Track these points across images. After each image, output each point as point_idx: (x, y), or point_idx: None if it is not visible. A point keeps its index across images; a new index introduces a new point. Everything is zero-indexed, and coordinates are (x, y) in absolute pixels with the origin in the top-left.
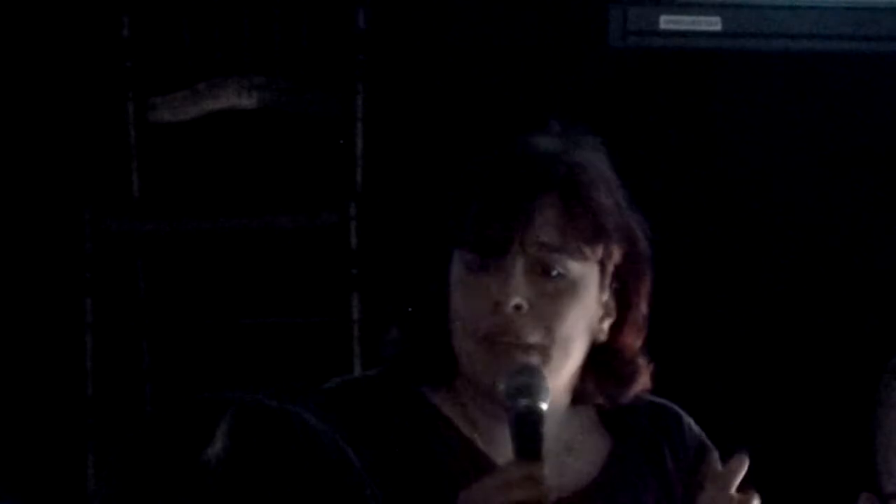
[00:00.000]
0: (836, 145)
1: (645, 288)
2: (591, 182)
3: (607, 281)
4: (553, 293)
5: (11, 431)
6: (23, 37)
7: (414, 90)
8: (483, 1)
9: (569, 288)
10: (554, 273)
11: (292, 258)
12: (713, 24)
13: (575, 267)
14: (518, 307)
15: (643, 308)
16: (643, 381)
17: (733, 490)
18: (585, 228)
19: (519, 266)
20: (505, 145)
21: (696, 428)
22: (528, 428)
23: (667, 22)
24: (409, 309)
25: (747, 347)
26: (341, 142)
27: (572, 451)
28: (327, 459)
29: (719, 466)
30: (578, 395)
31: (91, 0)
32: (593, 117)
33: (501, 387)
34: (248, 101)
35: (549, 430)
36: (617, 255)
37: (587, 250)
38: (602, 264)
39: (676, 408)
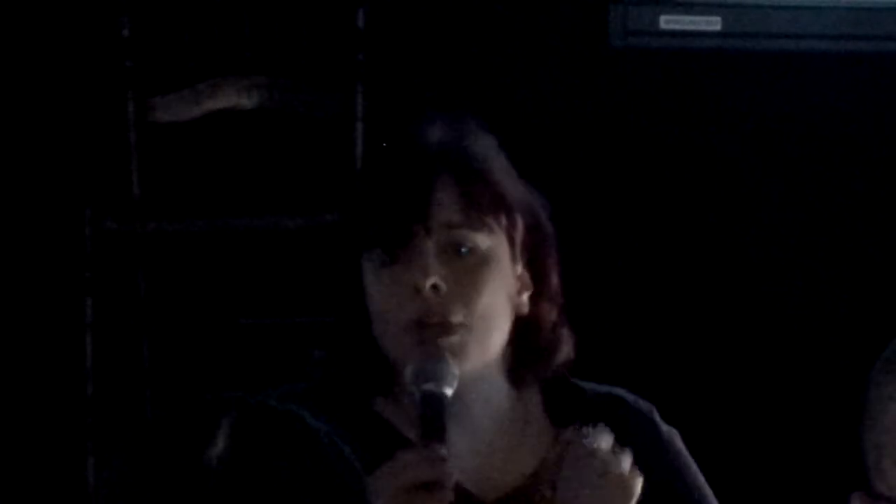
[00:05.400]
0: (836, 145)
1: (553, 260)
2: (484, 158)
3: (518, 252)
4: (467, 270)
5: (11, 431)
6: (23, 37)
7: (414, 90)
8: (483, 1)
9: (481, 262)
10: (464, 250)
11: (292, 258)
12: (713, 24)
13: (483, 240)
14: (436, 287)
15: (555, 279)
16: (566, 352)
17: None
18: (485, 200)
19: (429, 248)
20: (389, 141)
21: (644, 407)
22: (429, 410)
23: (667, 22)
24: (332, 326)
25: (741, 346)
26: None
27: (519, 439)
28: (327, 459)
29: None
30: (511, 375)
31: (91, 0)
32: (593, 117)
33: (407, 372)
34: (248, 101)
35: (490, 416)
36: (522, 226)
37: (491, 221)
38: (510, 236)
39: (623, 392)
